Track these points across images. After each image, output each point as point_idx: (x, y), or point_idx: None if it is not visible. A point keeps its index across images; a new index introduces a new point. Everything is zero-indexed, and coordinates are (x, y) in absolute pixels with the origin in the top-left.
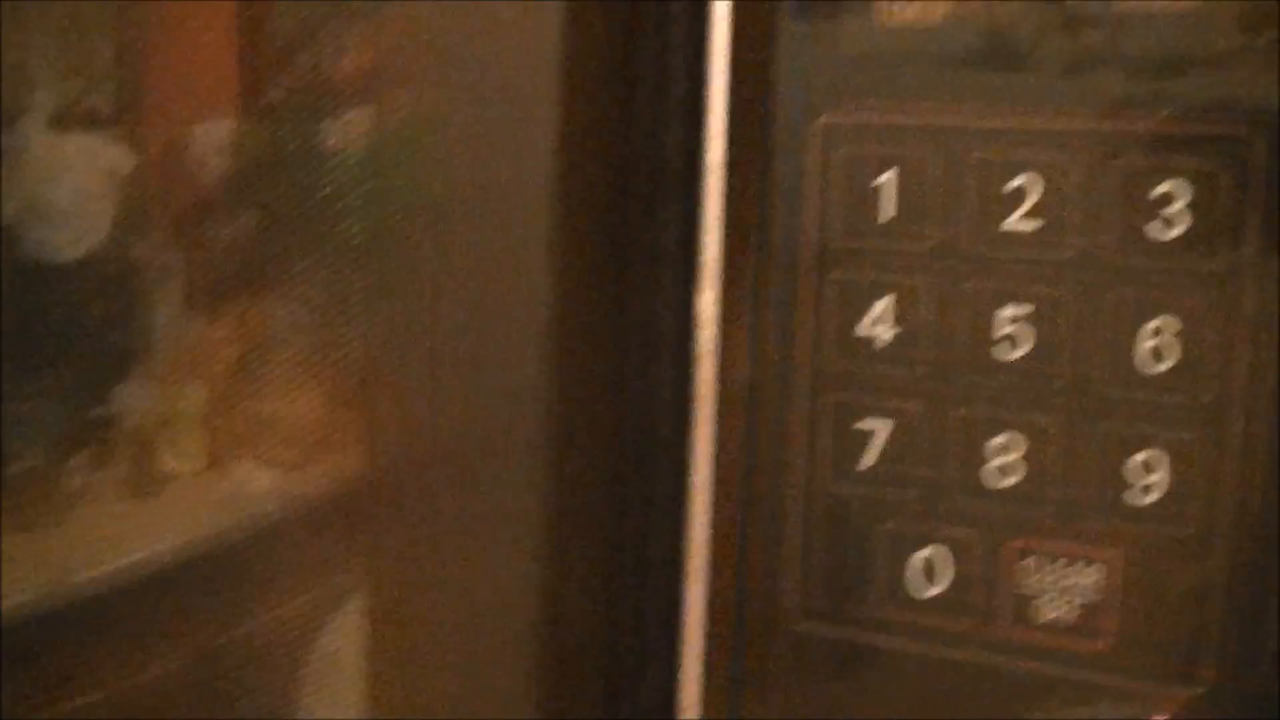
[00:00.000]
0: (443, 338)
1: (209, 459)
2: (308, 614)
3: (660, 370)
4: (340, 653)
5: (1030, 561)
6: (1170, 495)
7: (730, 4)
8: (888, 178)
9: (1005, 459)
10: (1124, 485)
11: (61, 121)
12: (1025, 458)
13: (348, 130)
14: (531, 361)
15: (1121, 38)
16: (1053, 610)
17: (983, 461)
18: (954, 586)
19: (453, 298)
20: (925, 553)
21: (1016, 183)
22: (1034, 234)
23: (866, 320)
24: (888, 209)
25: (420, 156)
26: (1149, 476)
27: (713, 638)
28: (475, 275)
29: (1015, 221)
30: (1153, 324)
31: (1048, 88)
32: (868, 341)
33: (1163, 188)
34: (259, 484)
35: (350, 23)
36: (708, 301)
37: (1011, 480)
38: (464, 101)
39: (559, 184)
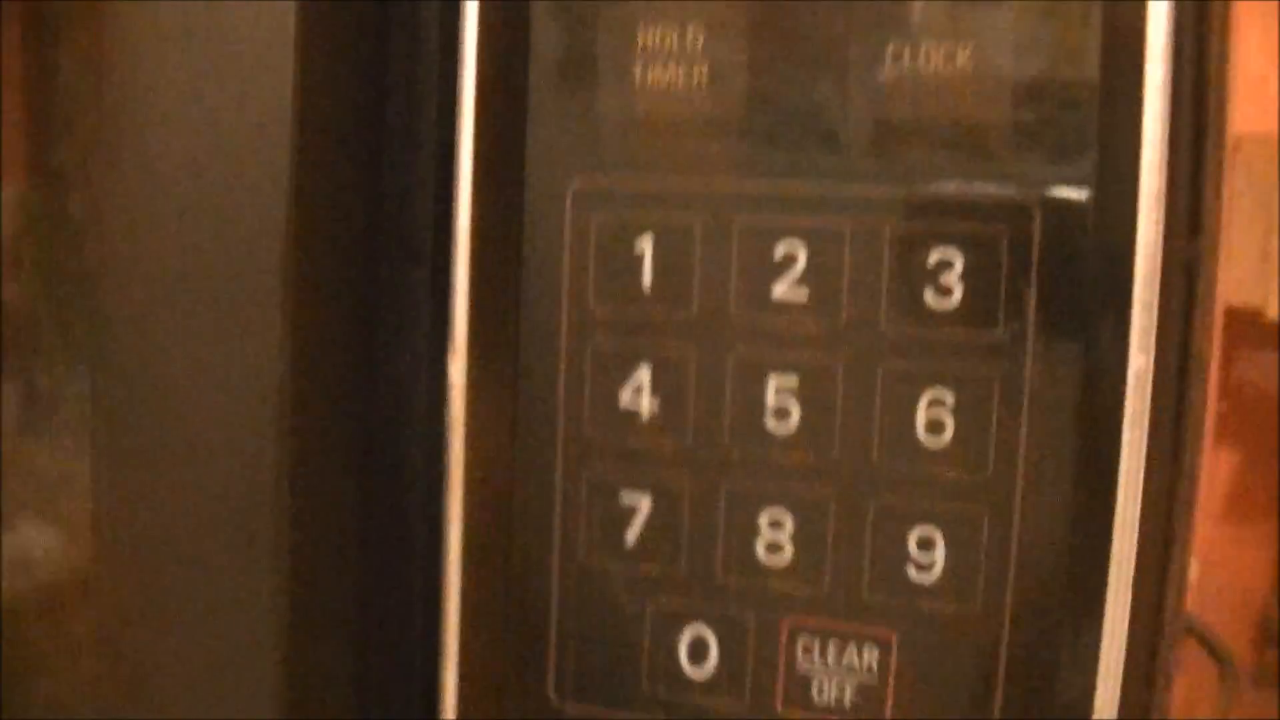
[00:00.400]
0: (173, 413)
1: None
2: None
3: (411, 442)
4: None
5: (806, 641)
6: (951, 573)
7: (478, 65)
8: (646, 244)
9: (778, 535)
10: (903, 562)
11: None
12: (799, 534)
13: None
14: (270, 437)
15: (891, 105)
16: (831, 691)
17: (754, 538)
18: (726, 666)
19: (183, 374)
20: (694, 631)
21: (783, 250)
22: (803, 303)
23: (627, 391)
24: (647, 276)
25: (154, 222)
26: (928, 553)
27: None
28: (206, 349)
29: (783, 290)
30: (929, 396)
31: (814, 154)
32: (630, 413)
33: (937, 256)
34: (44, 542)
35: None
36: (458, 370)
37: (785, 557)
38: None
39: (298, 252)
